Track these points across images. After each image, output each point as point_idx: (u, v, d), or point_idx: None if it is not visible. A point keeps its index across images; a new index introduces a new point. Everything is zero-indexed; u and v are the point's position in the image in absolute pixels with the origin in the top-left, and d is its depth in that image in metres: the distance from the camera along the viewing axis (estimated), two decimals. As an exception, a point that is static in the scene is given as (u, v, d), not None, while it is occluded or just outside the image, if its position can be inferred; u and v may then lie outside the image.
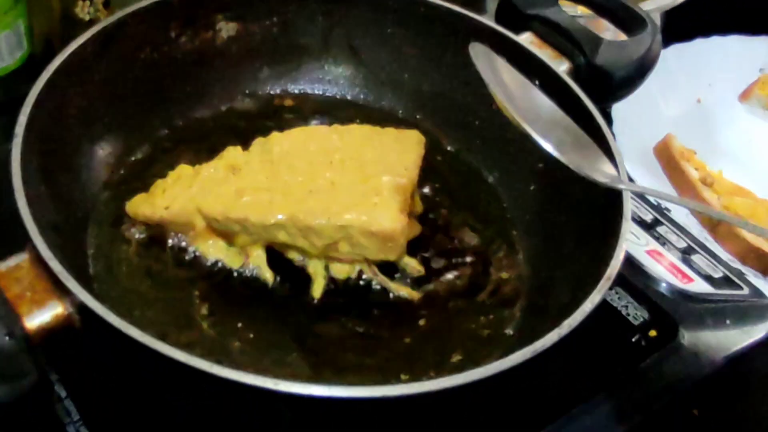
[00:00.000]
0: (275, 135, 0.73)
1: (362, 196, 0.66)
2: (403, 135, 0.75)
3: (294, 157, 0.70)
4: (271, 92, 0.87)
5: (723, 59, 1.12)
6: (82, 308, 0.52)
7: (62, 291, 0.52)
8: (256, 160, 0.70)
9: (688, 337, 0.73)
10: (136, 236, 0.70)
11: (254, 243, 0.68)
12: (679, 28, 1.10)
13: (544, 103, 0.59)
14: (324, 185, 0.68)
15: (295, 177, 0.68)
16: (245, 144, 0.73)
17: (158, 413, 0.61)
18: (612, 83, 0.76)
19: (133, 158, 0.76)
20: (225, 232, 0.68)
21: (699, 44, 1.12)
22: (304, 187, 0.68)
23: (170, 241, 0.70)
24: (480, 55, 0.57)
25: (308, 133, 0.74)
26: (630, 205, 0.63)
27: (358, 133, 0.74)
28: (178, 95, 0.81)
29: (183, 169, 0.71)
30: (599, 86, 0.76)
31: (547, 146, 0.55)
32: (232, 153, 0.71)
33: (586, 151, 0.57)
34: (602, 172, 0.56)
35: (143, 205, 0.69)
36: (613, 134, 0.93)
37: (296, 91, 0.87)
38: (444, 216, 0.77)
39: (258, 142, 0.73)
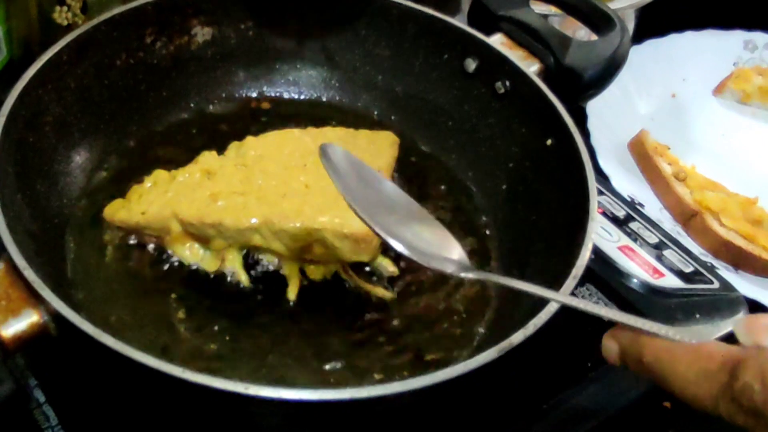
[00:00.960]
0: (250, 139, 0.74)
1: (336, 199, 0.65)
2: (376, 136, 0.76)
3: (268, 161, 0.72)
4: (247, 95, 0.87)
5: (697, 54, 1.13)
6: (57, 316, 0.53)
7: (37, 299, 0.53)
8: (230, 165, 0.72)
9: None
10: (114, 242, 0.71)
11: (230, 246, 0.69)
12: (653, 23, 1.11)
13: (399, 197, 0.60)
14: (298, 188, 0.69)
15: (269, 181, 0.70)
16: (221, 148, 0.74)
17: (135, 418, 0.61)
18: (581, 83, 0.77)
19: (110, 164, 0.77)
20: (201, 236, 0.69)
21: (673, 39, 1.13)
22: (278, 190, 0.69)
23: (148, 246, 0.71)
24: (329, 154, 0.58)
25: (282, 137, 0.75)
26: (596, 205, 0.64)
27: (331, 135, 0.76)
28: (155, 100, 0.82)
29: (159, 175, 0.72)
30: (569, 86, 0.77)
31: (396, 245, 0.55)
32: (207, 158, 0.72)
33: (441, 242, 0.58)
34: (452, 261, 0.57)
35: (120, 211, 0.70)
36: (587, 131, 0.96)
37: (272, 94, 0.88)
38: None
39: (233, 147, 0.74)
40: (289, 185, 0.69)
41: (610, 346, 0.48)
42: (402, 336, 0.68)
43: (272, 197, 0.68)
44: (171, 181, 0.71)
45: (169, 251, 0.70)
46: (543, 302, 0.57)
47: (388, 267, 0.71)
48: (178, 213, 0.68)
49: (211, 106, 0.86)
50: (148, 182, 0.72)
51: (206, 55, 0.84)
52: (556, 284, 0.59)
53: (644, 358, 0.43)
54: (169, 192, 0.70)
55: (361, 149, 0.74)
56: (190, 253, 0.70)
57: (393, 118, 0.86)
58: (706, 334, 0.49)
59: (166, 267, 0.70)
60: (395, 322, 0.68)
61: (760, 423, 0.38)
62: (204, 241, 0.69)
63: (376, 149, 0.75)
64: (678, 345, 0.42)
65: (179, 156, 0.77)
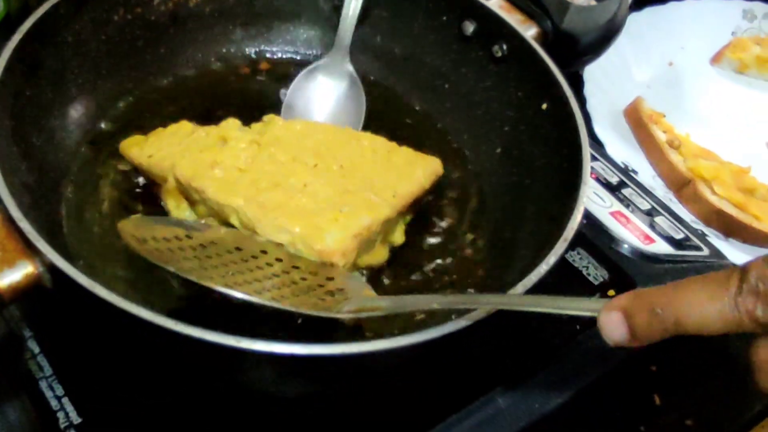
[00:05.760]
0: (279, 120, 0.73)
1: (325, 208, 0.64)
2: (419, 159, 0.73)
3: (283, 148, 0.69)
4: (245, 54, 0.87)
5: (696, 22, 1.13)
6: (52, 268, 0.53)
7: (33, 251, 0.54)
8: (246, 139, 0.70)
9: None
10: (111, 196, 0.71)
11: (211, 216, 0.68)
12: (653, -9, 1.11)
13: None
14: (295, 185, 0.66)
15: (271, 166, 0.68)
16: (219, 109, 0.75)
17: (130, 369, 0.62)
18: (578, 48, 0.78)
19: (106, 119, 0.77)
20: (188, 197, 0.69)
21: (672, 7, 1.13)
22: (274, 179, 0.66)
23: (142, 204, 0.71)
24: (129, 228, 0.59)
25: (311, 129, 0.73)
26: (589, 170, 0.65)
27: (368, 143, 0.72)
28: (152, 57, 0.82)
29: (182, 126, 0.73)
30: (566, 51, 0.78)
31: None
32: (230, 124, 0.72)
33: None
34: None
35: (134, 147, 0.72)
36: (583, 97, 0.96)
37: (269, 54, 0.88)
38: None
39: (263, 121, 0.73)
40: (287, 179, 0.66)
41: (611, 318, 0.43)
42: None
43: (265, 183, 0.65)
44: (189, 135, 0.71)
45: (162, 202, 0.71)
46: (535, 264, 0.57)
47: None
48: (175, 167, 0.68)
49: (208, 65, 0.85)
50: (170, 129, 0.72)
51: (204, 13, 0.84)
52: (547, 247, 0.59)
53: (656, 306, 0.41)
54: (181, 145, 0.70)
55: (391, 167, 0.70)
56: (177, 211, 0.70)
57: (390, 79, 0.86)
58: None
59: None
60: (385, 282, 0.69)
61: None
62: (191, 203, 0.69)
63: (408, 172, 0.71)
64: (691, 280, 0.41)
65: (175, 114, 0.78)
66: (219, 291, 0.56)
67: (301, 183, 0.66)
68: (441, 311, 0.56)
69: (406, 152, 0.73)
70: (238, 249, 0.61)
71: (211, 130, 0.71)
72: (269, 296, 0.56)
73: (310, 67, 0.83)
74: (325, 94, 0.83)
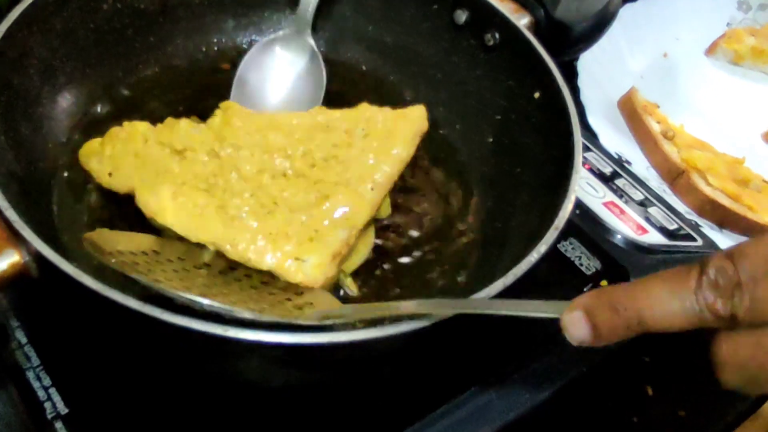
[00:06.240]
0: (236, 111, 0.69)
1: (300, 230, 0.61)
2: (398, 124, 0.69)
3: (246, 156, 0.65)
4: (237, 43, 0.86)
5: (690, 13, 1.13)
6: (38, 257, 0.53)
7: (19, 239, 0.53)
8: (205, 149, 0.66)
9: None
10: (97, 187, 0.70)
11: None
12: (647, -19, 1.11)
13: None
14: (266, 204, 0.63)
15: (239, 185, 0.64)
16: (209, 99, 0.73)
17: (118, 359, 0.62)
18: (571, 37, 0.77)
19: (95, 109, 0.77)
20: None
21: (667, -2, 1.12)
22: (243, 201, 0.63)
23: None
24: (95, 239, 0.59)
25: (276, 122, 0.69)
26: (581, 158, 0.64)
27: (341, 125, 0.69)
28: (142, 46, 0.81)
29: (136, 128, 0.69)
30: (558, 40, 0.77)
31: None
32: (183, 127, 0.68)
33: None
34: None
35: (92, 159, 0.68)
36: (576, 87, 0.96)
37: (262, 43, 0.87)
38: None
39: (218, 115, 0.69)
40: (257, 199, 0.63)
41: (574, 317, 0.42)
42: (383, 286, 0.68)
43: (233, 211, 0.62)
44: (143, 143, 0.67)
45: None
46: (523, 254, 0.57)
47: (350, 286, 0.67)
48: (136, 197, 0.63)
49: (199, 54, 0.85)
50: (126, 131, 0.69)
51: (194, 1, 0.83)
52: (538, 236, 0.59)
53: (618, 305, 0.41)
54: (137, 158, 0.66)
55: (369, 146, 0.67)
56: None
57: (382, 69, 0.86)
58: None
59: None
60: (377, 272, 0.69)
61: (737, 295, 0.38)
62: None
63: (388, 146, 0.67)
64: (652, 277, 0.41)
65: (165, 104, 0.77)
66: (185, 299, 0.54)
67: (271, 201, 0.63)
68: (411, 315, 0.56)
69: (384, 118, 0.69)
70: (207, 265, 0.61)
71: (164, 135, 0.67)
72: (239, 306, 0.55)
73: (267, 38, 0.81)
74: (282, 68, 0.80)
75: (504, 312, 0.48)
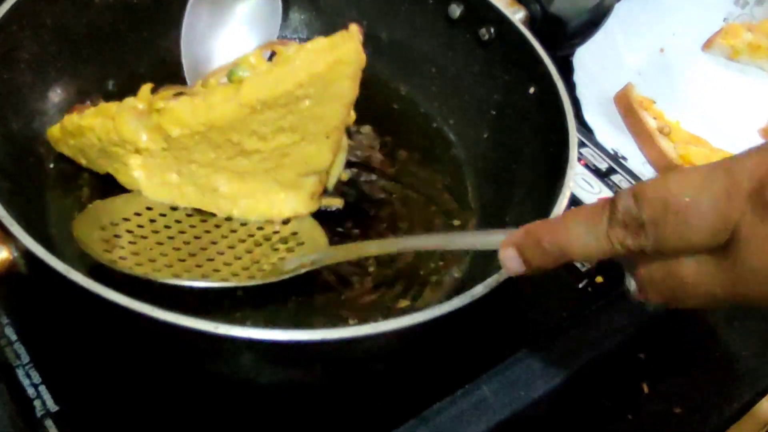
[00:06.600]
0: (169, 126, 0.65)
1: (272, 185, 0.67)
2: (329, 56, 0.63)
3: (199, 145, 0.65)
4: (230, 38, 0.86)
5: (687, 8, 1.12)
6: (26, 253, 0.52)
7: (7, 235, 0.53)
8: (158, 146, 0.66)
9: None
10: (90, 183, 0.70)
11: None
12: (644, -25, 1.10)
13: None
14: (233, 177, 0.67)
15: (201, 170, 0.67)
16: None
17: (108, 357, 0.61)
18: (566, 31, 0.77)
19: (87, 104, 0.76)
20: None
21: (664, -7, 1.12)
22: (213, 179, 0.67)
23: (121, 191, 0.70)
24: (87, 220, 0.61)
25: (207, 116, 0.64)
26: (576, 154, 0.64)
27: (273, 99, 0.63)
28: (134, 41, 0.80)
29: (85, 120, 0.68)
30: (554, 34, 0.77)
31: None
32: (133, 131, 0.66)
33: None
34: None
35: (61, 146, 0.70)
36: (572, 83, 0.95)
37: (256, 37, 0.86)
38: (400, 161, 0.78)
39: (159, 93, 0.68)
40: (222, 174, 0.66)
41: (507, 254, 0.48)
42: (377, 283, 0.68)
43: (205, 183, 0.67)
44: (98, 140, 0.67)
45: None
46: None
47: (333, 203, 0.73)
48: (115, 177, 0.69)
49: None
50: (73, 125, 0.68)
51: (187, -5, 0.82)
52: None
53: (542, 242, 0.45)
54: (101, 151, 0.68)
55: (312, 92, 0.63)
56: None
57: (376, 64, 0.85)
58: None
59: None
60: (371, 269, 0.68)
61: (642, 234, 0.41)
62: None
63: (329, 83, 0.63)
64: (570, 215, 0.45)
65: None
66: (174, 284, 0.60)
67: (237, 175, 0.67)
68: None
69: (314, 52, 0.63)
70: (203, 221, 0.67)
71: (113, 136, 0.66)
72: (228, 272, 0.62)
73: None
74: (230, 6, 0.79)
75: (456, 246, 0.61)
